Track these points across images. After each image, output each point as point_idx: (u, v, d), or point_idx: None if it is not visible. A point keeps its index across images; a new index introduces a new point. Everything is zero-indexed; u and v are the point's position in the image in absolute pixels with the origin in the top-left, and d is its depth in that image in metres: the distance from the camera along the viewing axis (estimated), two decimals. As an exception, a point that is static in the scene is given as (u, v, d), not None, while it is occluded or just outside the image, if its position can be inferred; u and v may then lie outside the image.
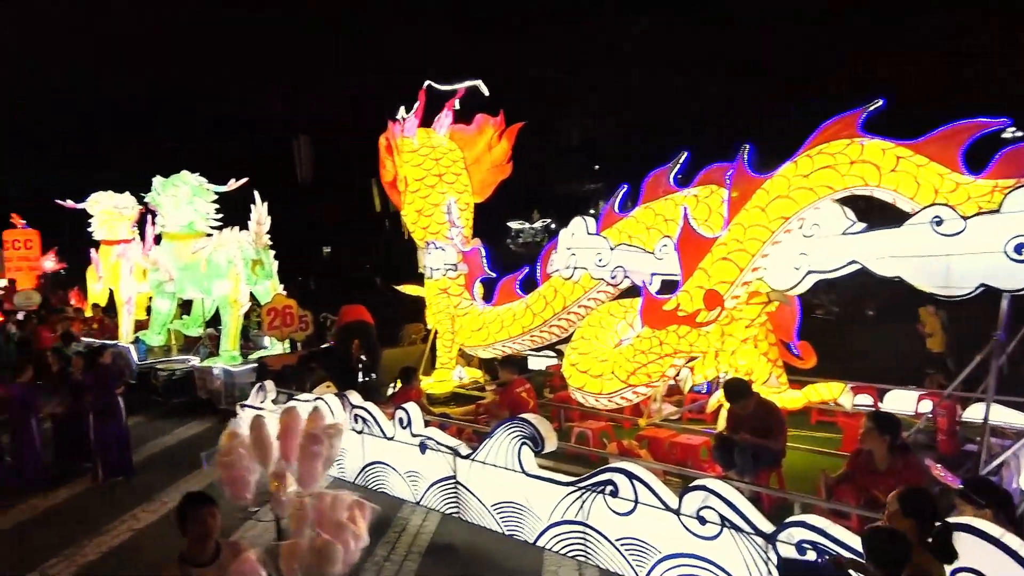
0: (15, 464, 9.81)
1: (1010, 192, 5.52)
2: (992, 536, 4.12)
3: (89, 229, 18.77)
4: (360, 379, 10.57)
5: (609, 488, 6.19)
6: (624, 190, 9.03)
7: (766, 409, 6.36)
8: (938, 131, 6.20)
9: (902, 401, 8.63)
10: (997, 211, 5.56)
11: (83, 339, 16.62)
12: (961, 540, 3.88)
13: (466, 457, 7.41)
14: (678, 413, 8.68)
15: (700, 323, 7.14)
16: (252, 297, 14.52)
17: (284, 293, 13.90)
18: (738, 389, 6.40)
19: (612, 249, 8.47)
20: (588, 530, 6.34)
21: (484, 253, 10.09)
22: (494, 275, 10.06)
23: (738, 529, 5.28)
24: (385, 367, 10.42)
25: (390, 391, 9.47)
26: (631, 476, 6.07)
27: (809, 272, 6.71)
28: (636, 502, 5.99)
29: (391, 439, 8.30)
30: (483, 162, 9.93)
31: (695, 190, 8.26)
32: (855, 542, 4.57)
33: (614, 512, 6.14)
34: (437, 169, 9.93)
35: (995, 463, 6.12)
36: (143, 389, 14.33)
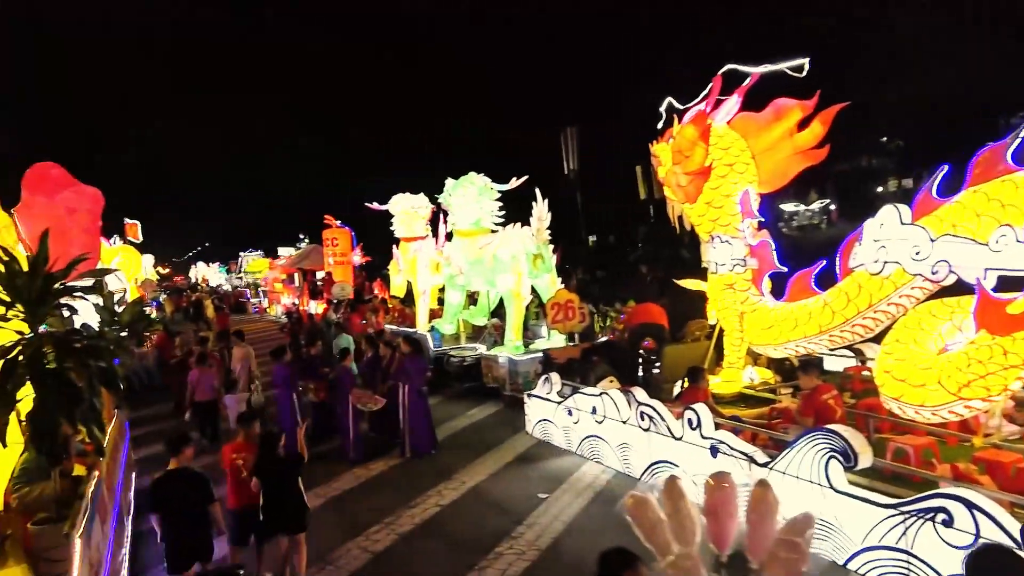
0: (340, 438, 11.26)
1: None
2: None
3: (391, 228, 21.00)
4: (640, 374, 10.57)
5: (941, 516, 5.45)
6: (943, 171, 7.86)
7: None
8: None
9: None
10: None
11: (388, 327, 18.71)
12: None
13: (763, 465, 7.01)
14: (1021, 433, 7.40)
15: (1060, 330, 5.98)
16: (532, 290, 15.19)
17: (564, 287, 14.37)
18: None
19: (933, 240, 7.44)
20: (913, 560, 5.64)
21: (774, 246, 9.44)
22: (785, 269, 9.38)
23: None
24: (666, 364, 10.26)
25: (676, 390, 9.30)
26: (970, 505, 5.28)
27: None
28: (977, 536, 5.20)
29: (679, 439, 8.14)
30: (780, 150, 9.19)
31: (1047, 168, 6.91)
32: None
33: (948, 544, 5.39)
34: (727, 159, 9.43)
35: None
36: (437, 374, 15.70)
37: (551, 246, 14.95)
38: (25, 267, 4.49)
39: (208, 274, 70.92)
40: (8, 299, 4.36)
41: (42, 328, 4.59)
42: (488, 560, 7.25)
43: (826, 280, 9.08)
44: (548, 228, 14.55)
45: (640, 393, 8.85)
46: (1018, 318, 6.22)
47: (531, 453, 10.78)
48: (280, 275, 39.90)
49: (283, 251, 51.99)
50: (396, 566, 7.32)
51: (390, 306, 21.78)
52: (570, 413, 10.21)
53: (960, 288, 7.41)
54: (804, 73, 8.79)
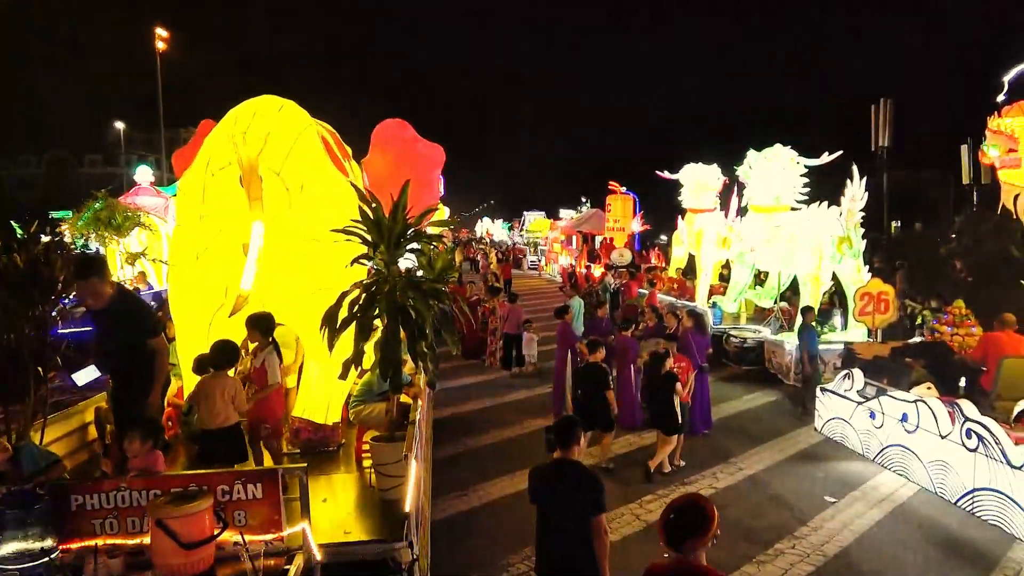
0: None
1: None
2: None
3: (679, 198, 20.56)
4: (963, 384, 9.21)
5: None
6: None
7: None
8: None
9: None
10: None
11: (665, 298, 18.52)
12: None
13: None
14: None
15: None
16: (833, 276, 13.97)
17: (878, 277, 13.06)
18: None
19: None
20: None
21: None
22: None
23: None
24: (1004, 378, 8.79)
25: (1015, 409, 7.94)
26: None
27: None
28: None
29: (1019, 468, 6.95)
30: None
31: None
32: None
33: None
34: None
35: None
36: (715, 352, 15.19)
37: (861, 230, 13.59)
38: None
39: (492, 229, 76.03)
40: (373, 240, 4.91)
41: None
42: (767, 555, 6.90)
43: None
44: (862, 210, 13.25)
45: (969, 407, 7.70)
46: None
47: (817, 451, 10.03)
48: (560, 236, 41.32)
49: (564, 212, 53.72)
50: (668, 539, 7.23)
51: (671, 276, 21.48)
52: (872, 416, 9.25)
53: None
54: None
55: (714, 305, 17.02)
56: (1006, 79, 9.28)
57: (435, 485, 8.39)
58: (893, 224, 45.65)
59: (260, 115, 6.12)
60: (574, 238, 38.01)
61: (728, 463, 9.45)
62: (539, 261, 46.16)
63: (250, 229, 5.78)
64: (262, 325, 6.02)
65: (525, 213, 65.20)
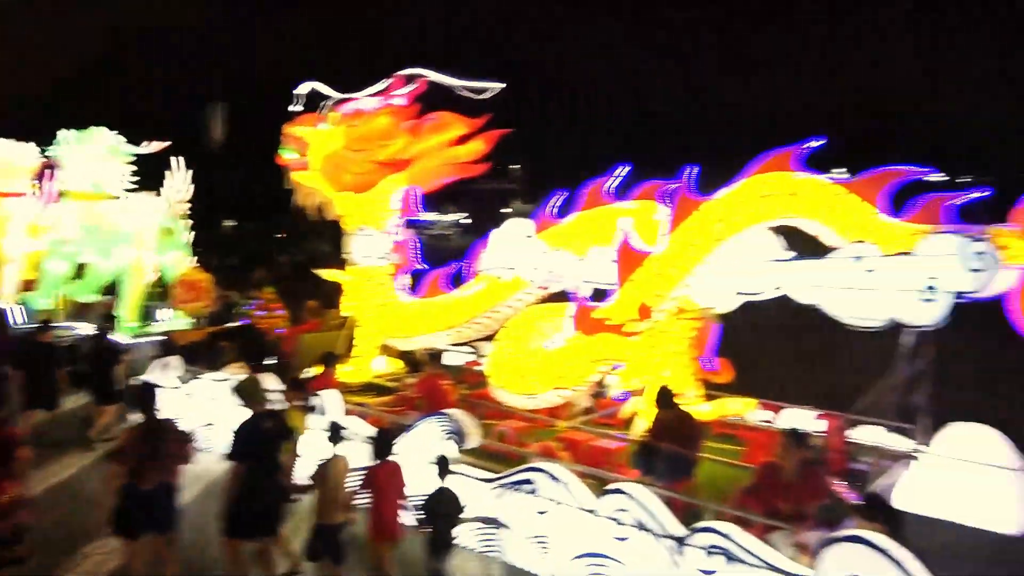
0: None
1: (926, 238, 6.03)
2: (883, 547, 4.43)
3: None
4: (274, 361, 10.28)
5: (529, 487, 6.26)
6: (561, 196, 9.08)
7: (688, 420, 6.60)
8: (868, 173, 6.67)
9: (797, 419, 8.89)
10: (911, 254, 6.07)
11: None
12: (855, 551, 4.51)
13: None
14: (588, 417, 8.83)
15: (628, 332, 7.39)
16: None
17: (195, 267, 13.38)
18: (669, 398, 6.64)
19: (546, 253, 8.58)
20: (503, 528, 6.38)
21: (418, 245, 9.99)
22: (426, 267, 9.98)
23: (651, 532, 5.47)
24: (300, 351, 10.15)
25: (304, 374, 9.23)
26: (552, 476, 6.17)
27: (737, 293, 7.07)
28: (555, 502, 6.09)
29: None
30: (437, 156, 9.59)
31: (632, 203, 8.43)
32: (760, 548, 5.06)
33: (533, 511, 6.21)
34: (382, 155, 9.61)
35: (880, 481, 6.68)
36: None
37: (188, 222, 13.81)
38: None
39: None
40: None
41: None
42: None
43: (459, 282, 9.87)
44: (188, 203, 13.47)
45: (270, 380, 8.59)
46: (600, 322, 7.53)
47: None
48: None
49: None
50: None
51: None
52: (191, 399, 9.51)
53: (564, 296, 8.64)
54: (482, 96, 9.34)
55: (24, 302, 14.89)
56: (300, 91, 10.49)
57: None
58: (227, 223, 48.18)
59: None
60: None
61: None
62: None
63: None
64: None
65: None
